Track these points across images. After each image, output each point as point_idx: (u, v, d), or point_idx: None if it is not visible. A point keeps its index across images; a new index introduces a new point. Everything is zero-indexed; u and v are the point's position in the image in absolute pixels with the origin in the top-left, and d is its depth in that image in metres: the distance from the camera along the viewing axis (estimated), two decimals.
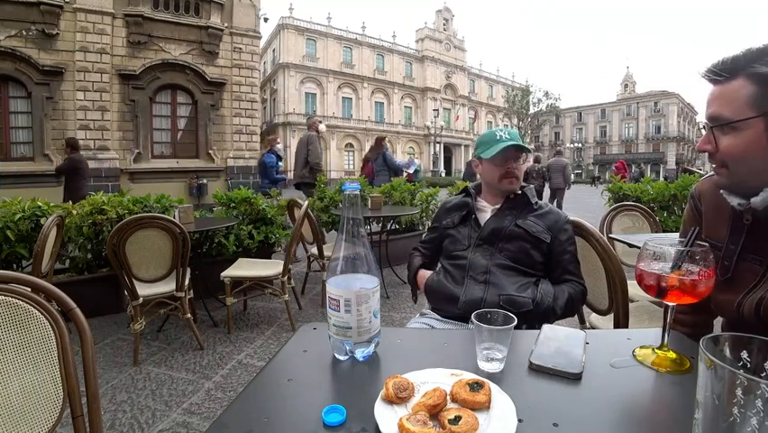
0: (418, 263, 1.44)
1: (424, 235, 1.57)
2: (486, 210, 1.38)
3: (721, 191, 0.79)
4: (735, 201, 0.76)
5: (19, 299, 0.75)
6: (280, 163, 6.33)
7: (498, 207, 1.36)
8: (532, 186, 1.41)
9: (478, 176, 1.47)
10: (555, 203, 9.18)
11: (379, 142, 6.13)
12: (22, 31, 9.96)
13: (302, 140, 5.25)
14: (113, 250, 2.16)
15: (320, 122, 5.57)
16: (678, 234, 1.02)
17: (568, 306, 1.21)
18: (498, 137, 1.32)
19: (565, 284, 1.26)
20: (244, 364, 2.30)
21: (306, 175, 5.05)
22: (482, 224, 1.33)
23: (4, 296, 0.75)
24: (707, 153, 0.76)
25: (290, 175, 6.23)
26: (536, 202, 1.35)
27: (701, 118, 0.78)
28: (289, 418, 0.56)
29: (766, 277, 0.74)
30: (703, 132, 0.77)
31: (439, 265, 1.41)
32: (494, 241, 1.28)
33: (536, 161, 10.05)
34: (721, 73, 0.69)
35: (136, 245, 2.24)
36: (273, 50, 34.13)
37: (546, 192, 9.60)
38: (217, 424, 0.54)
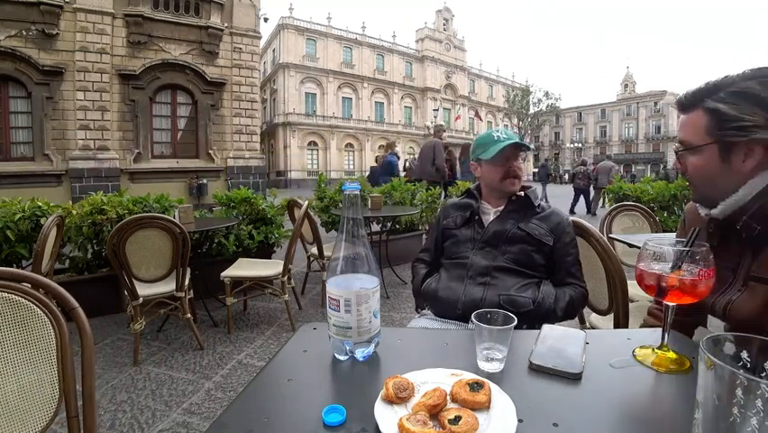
0: (423, 274, 1.41)
1: (424, 241, 1.56)
2: (489, 213, 1.37)
3: (697, 205, 0.91)
4: (703, 212, 0.87)
5: (22, 297, 0.75)
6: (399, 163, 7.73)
7: (500, 209, 1.35)
8: (535, 188, 1.40)
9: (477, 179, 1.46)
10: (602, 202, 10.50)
11: (466, 148, 7.49)
12: (22, 31, 9.97)
13: (428, 145, 6.51)
14: (113, 250, 2.16)
15: (444, 131, 7.04)
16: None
17: (569, 308, 1.21)
18: (495, 138, 1.31)
19: (567, 287, 1.25)
20: (244, 364, 2.30)
21: (434, 173, 6.32)
22: (485, 226, 1.32)
23: (8, 293, 0.75)
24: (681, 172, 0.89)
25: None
26: (539, 205, 1.34)
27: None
28: (289, 418, 0.56)
29: (734, 282, 0.82)
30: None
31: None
32: (497, 243, 1.27)
33: (582, 163, 11.02)
34: (685, 105, 0.82)
35: (136, 245, 2.24)
36: (273, 50, 34.12)
37: (591, 192, 10.73)
38: (217, 424, 0.54)
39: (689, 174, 0.85)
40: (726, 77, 0.77)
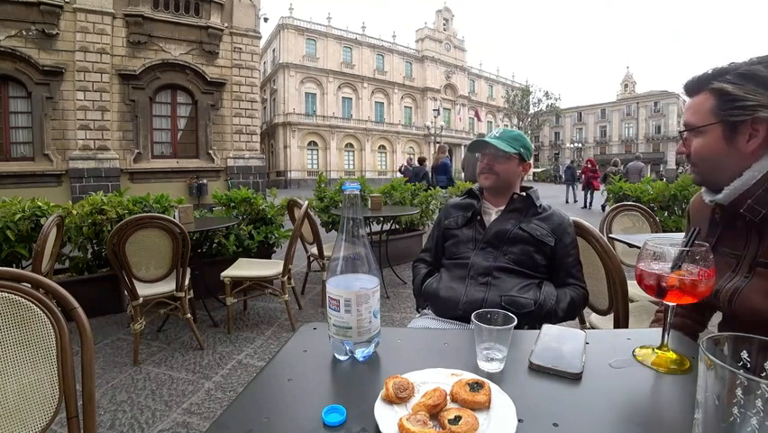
0: (424, 274, 1.41)
1: (425, 242, 1.56)
2: (490, 212, 1.37)
3: (702, 190, 0.90)
4: (708, 198, 0.87)
5: (22, 297, 0.75)
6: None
7: (501, 208, 1.35)
8: (536, 188, 1.40)
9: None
10: None
11: None
12: (22, 31, 9.96)
13: None
14: (113, 250, 2.16)
15: None
16: (677, 233, 1.08)
17: (570, 309, 1.21)
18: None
19: (568, 288, 1.25)
20: (244, 364, 2.30)
21: None
22: (487, 226, 1.32)
23: (8, 293, 0.75)
24: (684, 156, 0.88)
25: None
26: (540, 205, 1.34)
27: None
28: (289, 418, 0.56)
29: (739, 269, 0.82)
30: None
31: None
32: (498, 244, 1.27)
33: (614, 164, 11.33)
34: (691, 88, 0.84)
35: (136, 245, 2.24)
36: (273, 50, 34.10)
37: None
38: (217, 424, 0.54)
39: (693, 157, 0.85)
40: (732, 63, 0.79)
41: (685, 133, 0.86)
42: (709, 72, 0.81)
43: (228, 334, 2.72)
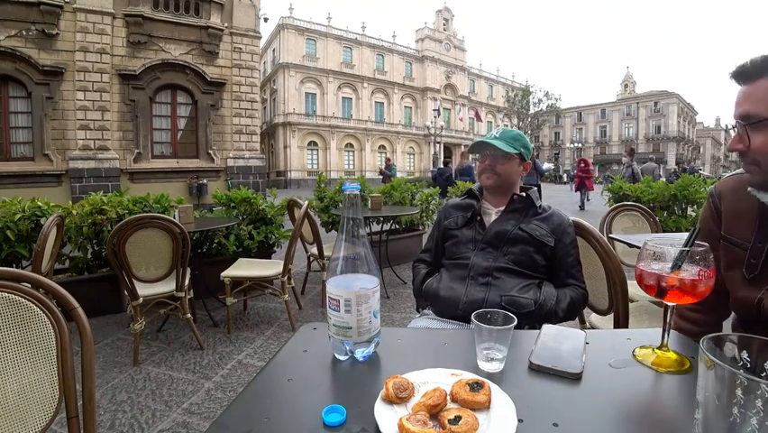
0: (424, 274, 1.40)
1: (425, 242, 1.56)
2: (490, 213, 1.37)
3: (749, 189, 0.81)
4: (763, 198, 0.78)
5: (22, 297, 0.75)
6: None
7: (501, 209, 1.35)
8: (535, 188, 1.40)
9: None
10: None
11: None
12: (22, 31, 9.96)
13: None
14: (113, 250, 2.16)
15: None
16: (677, 233, 1.05)
17: (570, 309, 1.21)
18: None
19: (568, 288, 1.25)
20: (244, 364, 2.30)
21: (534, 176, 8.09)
22: (486, 226, 1.32)
23: (8, 293, 0.75)
24: (737, 152, 0.78)
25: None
26: (540, 205, 1.34)
27: (731, 119, 0.79)
28: (289, 418, 0.56)
29: None
30: (732, 132, 0.81)
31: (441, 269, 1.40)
32: (498, 244, 1.27)
33: (628, 166, 11.55)
34: (751, 74, 0.72)
35: (136, 245, 2.24)
36: (273, 50, 34.09)
37: None
38: (217, 424, 0.54)
39: (753, 153, 0.74)
40: None
41: (738, 126, 0.74)
42: None
43: (228, 334, 2.71)
